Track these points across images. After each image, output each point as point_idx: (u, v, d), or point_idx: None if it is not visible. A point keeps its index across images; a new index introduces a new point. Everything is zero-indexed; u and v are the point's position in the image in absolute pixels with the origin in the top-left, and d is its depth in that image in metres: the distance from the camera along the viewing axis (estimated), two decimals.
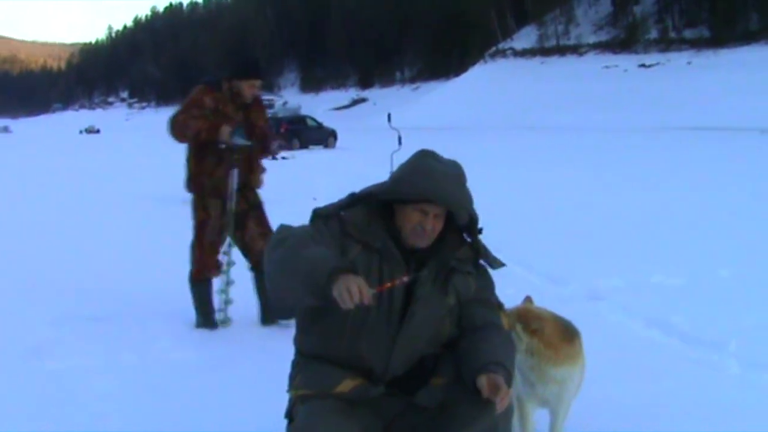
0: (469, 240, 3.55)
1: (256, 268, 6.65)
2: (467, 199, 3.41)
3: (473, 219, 3.49)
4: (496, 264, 3.59)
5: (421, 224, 3.33)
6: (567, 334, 3.98)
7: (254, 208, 6.80)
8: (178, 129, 6.41)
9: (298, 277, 3.05)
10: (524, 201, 15.39)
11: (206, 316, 6.72)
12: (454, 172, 3.38)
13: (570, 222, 12.46)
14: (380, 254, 3.32)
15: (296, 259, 3.09)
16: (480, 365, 3.17)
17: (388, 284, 3.19)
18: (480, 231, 3.53)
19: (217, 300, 6.81)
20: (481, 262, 3.58)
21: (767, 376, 5.40)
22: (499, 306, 3.63)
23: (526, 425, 4.12)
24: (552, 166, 24.05)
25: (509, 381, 3.18)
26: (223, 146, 6.44)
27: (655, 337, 6.38)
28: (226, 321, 6.82)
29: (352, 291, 2.90)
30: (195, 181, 6.63)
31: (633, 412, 4.87)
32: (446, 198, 3.32)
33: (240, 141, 6.54)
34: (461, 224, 3.50)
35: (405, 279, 3.24)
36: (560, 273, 8.54)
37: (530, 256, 9.39)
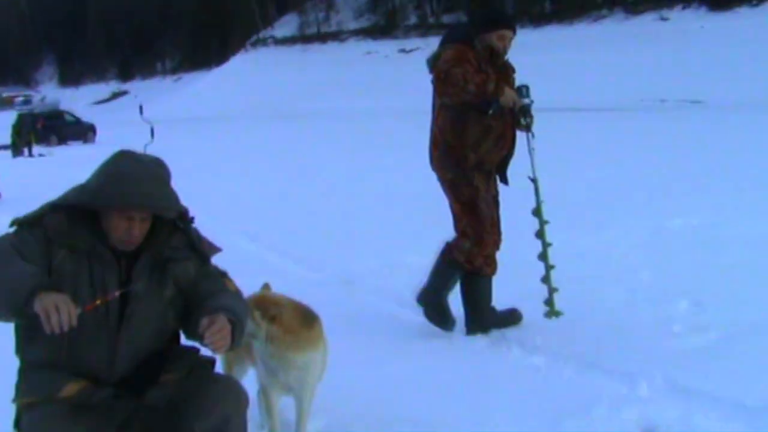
0: (181, 227, 3.43)
1: None
2: (172, 198, 3.30)
3: (182, 212, 3.39)
4: (211, 250, 3.50)
5: (128, 231, 3.19)
6: (306, 319, 3.96)
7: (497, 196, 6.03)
8: (455, 81, 5.41)
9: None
10: (283, 189, 15.39)
11: (496, 316, 6.00)
12: (155, 173, 3.26)
13: (326, 208, 12.53)
14: (88, 256, 3.19)
15: None
16: (203, 313, 3.14)
17: (98, 302, 3.08)
18: (192, 220, 3.45)
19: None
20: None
21: (513, 350, 5.63)
22: (223, 274, 3.52)
23: (272, 414, 4.09)
24: (313, 152, 24.15)
25: (236, 324, 3.16)
26: (491, 112, 5.58)
27: (407, 316, 6.45)
28: (558, 313, 6.01)
29: (62, 312, 2.80)
30: (453, 155, 5.79)
31: (385, 392, 4.91)
32: (151, 203, 3.20)
33: (527, 100, 5.74)
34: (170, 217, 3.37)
35: (116, 293, 3.14)
36: (316, 258, 8.57)
37: (285, 243, 9.40)
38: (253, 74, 79.19)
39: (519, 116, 5.82)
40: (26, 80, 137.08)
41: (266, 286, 4.16)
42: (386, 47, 78.59)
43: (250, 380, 4.22)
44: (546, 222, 5.96)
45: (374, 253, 8.70)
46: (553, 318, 5.98)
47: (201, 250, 3.43)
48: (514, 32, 5.89)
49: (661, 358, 5.15)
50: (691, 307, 6.21)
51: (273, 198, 13.96)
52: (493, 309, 6.03)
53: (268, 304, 3.86)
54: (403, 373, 5.18)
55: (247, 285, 3.76)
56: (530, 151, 5.97)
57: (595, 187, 12.38)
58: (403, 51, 76.28)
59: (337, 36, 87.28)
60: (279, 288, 4.24)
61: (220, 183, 16.43)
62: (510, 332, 5.90)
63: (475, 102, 5.56)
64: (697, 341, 5.48)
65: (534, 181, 5.99)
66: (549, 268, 5.97)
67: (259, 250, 9.24)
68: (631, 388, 4.74)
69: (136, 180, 3.17)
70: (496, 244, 5.95)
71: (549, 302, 5.99)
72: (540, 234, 5.96)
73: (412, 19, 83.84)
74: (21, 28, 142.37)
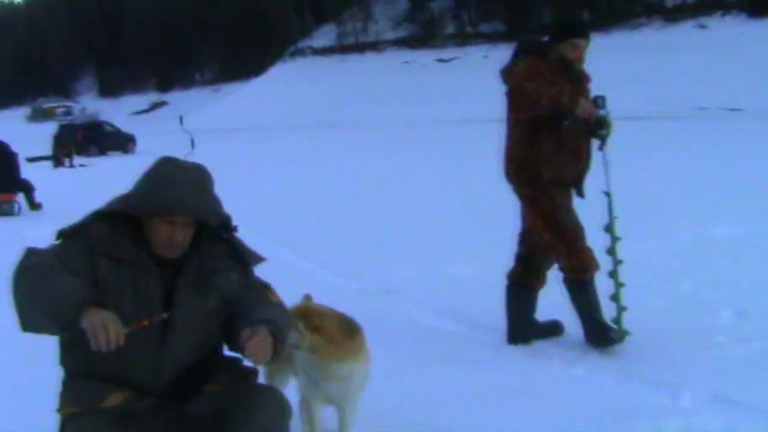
0: (225, 237, 3.45)
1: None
2: (215, 204, 3.33)
3: (225, 219, 3.41)
4: (255, 260, 3.51)
5: (170, 236, 3.21)
6: (349, 329, 3.96)
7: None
8: (527, 96, 5.37)
9: (45, 309, 2.93)
10: (323, 199, 15.41)
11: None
12: (197, 178, 3.28)
13: (367, 217, 12.52)
14: (133, 266, 3.20)
15: (43, 290, 2.94)
16: (246, 324, 3.14)
17: (145, 323, 3.08)
18: (235, 229, 3.45)
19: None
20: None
21: (555, 360, 5.63)
22: (265, 285, 3.53)
23: (313, 424, 4.09)
24: (353, 162, 24.12)
25: (278, 336, 3.16)
26: (567, 123, 5.41)
27: (449, 326, 6.48)
28: (626, 333, 5.68)
29: (110, 332, 2.82)
30: (528, 170, 5.67)
31: (427, 402, 4.91)
32: (193, 207, 3.22)
33: (603, 111, 5.55)
34: (214, 226, 3.39)
35: (164, 315, 3.16)
36: (357, 268, 8.58)
37: (327, 254, 9.40)
38: (292, 84, 79.43)
39: (595, 128, 5.63)
40: (66, 91, 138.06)
41: (308, 297, 4.16)
42: (424, 57, 78.71)
43: (291, 390, 4.23)
44: (618, 239, 5.74)
45: (416, 263, 8.72)
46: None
47: (245, 259, 3.44)
48: (588, 40, 5.76)
49: (703, 368, 5.10)
50: (734, 317, 6.16)
51: (313, 208, 14.00)
52: (535, 320, 5.99)
53: (311, 315, 3.86)
54: (445, 383, 5.18)
55: (289, 296, 3.77)
56: (604, 164, 5.78)
57: (634, 196, 12.26)
58: (441, 60, 76.39)
59: (375, 46, 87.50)
60: (320, 299, 4.24)
61: (261, 193, 16.46)
62: (552, 343, 5.88)
63: (550, 115, 5.45)
64: (740, 351, 5.43)
65: (608, 195, 5.76)
66: (619, 286, 5.74)
67: (300, 261, 9.23)
68: (673, 399, 4.70)
69: (178, 185, 3.19)
70: (590, 250, 5.70)
71: (617, 321, 5.73)
72: (611, 251, 5.75)
73: (450, 29, 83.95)
74: (61, 40, 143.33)
